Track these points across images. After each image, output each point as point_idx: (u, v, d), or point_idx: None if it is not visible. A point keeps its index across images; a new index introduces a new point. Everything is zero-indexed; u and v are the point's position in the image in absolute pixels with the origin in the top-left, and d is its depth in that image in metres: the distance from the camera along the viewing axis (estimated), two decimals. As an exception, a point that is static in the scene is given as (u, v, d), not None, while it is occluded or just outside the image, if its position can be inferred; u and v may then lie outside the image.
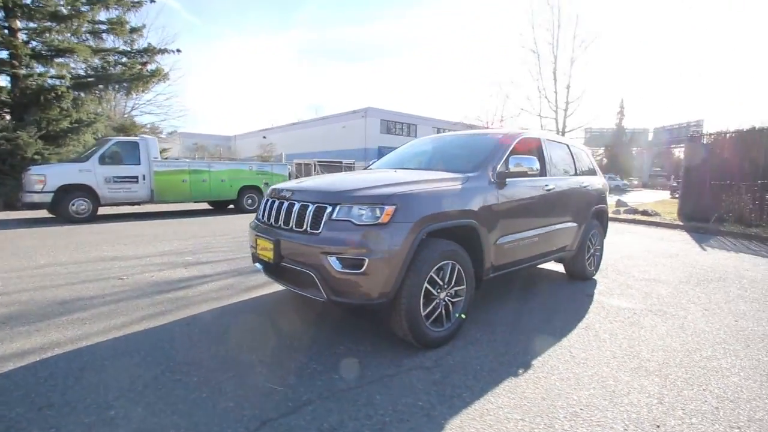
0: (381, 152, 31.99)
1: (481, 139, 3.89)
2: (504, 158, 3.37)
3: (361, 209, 2.49)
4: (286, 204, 2.83)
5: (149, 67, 15.49)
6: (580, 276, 4.62)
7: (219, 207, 12.65)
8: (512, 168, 3.26)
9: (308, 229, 2.60)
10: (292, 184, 3.16)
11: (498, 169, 3.26)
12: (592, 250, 4.72)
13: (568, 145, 4.66)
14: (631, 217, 11.60)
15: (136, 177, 9.60)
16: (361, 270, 2.39)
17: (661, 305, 3.79)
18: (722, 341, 2.98)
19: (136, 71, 15.01)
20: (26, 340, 2.67)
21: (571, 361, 2.59)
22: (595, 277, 4.77)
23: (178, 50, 16.64)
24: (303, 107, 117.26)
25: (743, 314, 3.59)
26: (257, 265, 3.24)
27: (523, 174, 3.32)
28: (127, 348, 2.60)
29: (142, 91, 16.05)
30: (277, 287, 3.96)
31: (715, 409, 2.08)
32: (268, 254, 2.80)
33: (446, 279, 2.73)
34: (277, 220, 2.87)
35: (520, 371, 2.43)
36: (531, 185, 3.61)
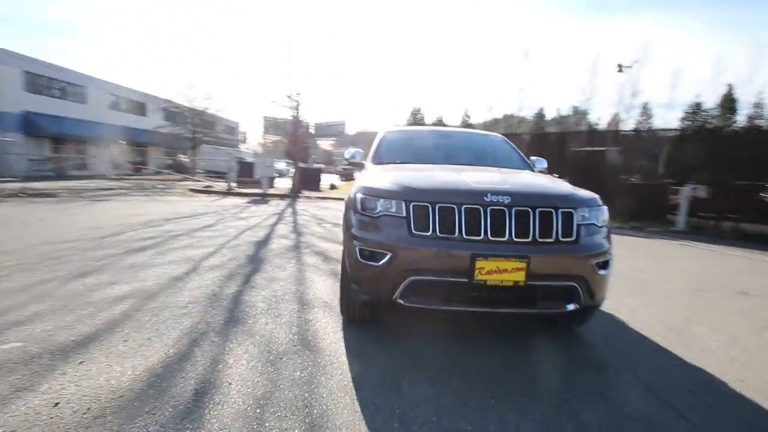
0: (30, 119, 21.29)
1: (492, 139, 4.23)
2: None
3: (594, 211, 2.47)
4: (511, 211, 2.23)
5: None
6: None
7: None
8: (537, 168, 3.91)
9: (560, 237, 2.27)
10: (491, 184, 2.45)
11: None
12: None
13: None
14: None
15: None
16: (608, 269, 2.45)
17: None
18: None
19: None
20: None
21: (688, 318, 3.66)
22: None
23: None
24: None
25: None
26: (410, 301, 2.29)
27: (544, 173, 4.03)
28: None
29: None
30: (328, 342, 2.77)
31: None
32: (514, 276, 2.15)
33: None
34: (499, 231, 2.21)
35: (661, 341, 3.27)
36: None
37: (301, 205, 12.15)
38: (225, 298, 3.36)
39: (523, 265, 2.16)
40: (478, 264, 2.15)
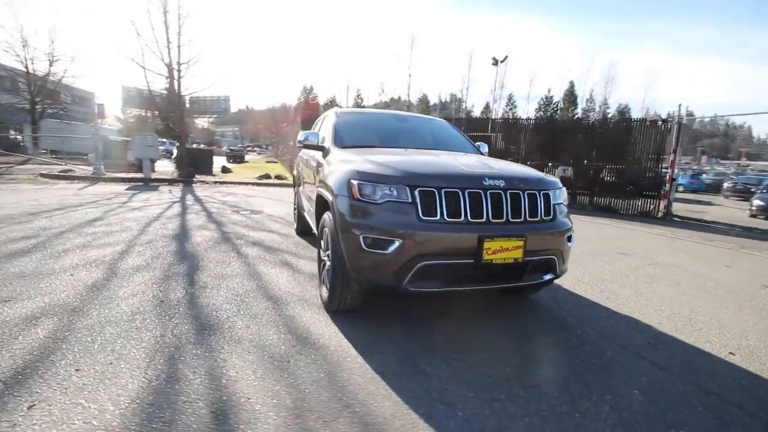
0: None
1: (441, 124, 4.37)
2: (466, 142, 4.26)
3: (560, 192, 2.83)
4: (506, 194, 2.41)
5: None
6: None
7: None
8: (483, 152, 4.24)
9: (543, 217, 2.55)
10: (482, 169, 2.62)
11: None
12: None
13: None
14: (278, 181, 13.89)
15: None
16: (572, 242, 2.85)
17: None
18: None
19: None
20: None
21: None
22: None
23: None
24: None
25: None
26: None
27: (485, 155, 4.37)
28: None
29: None
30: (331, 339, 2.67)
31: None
32: (513, 254, 2.35)
33: None
34: (498, 213, 2.38)
35: (592, 296, 3.87)
36: None
37: (201, 191, 10.86)
38: (177, 303, 2.90)
39: (521, 243, 2.38)
40: (486, 245, 2.29)
